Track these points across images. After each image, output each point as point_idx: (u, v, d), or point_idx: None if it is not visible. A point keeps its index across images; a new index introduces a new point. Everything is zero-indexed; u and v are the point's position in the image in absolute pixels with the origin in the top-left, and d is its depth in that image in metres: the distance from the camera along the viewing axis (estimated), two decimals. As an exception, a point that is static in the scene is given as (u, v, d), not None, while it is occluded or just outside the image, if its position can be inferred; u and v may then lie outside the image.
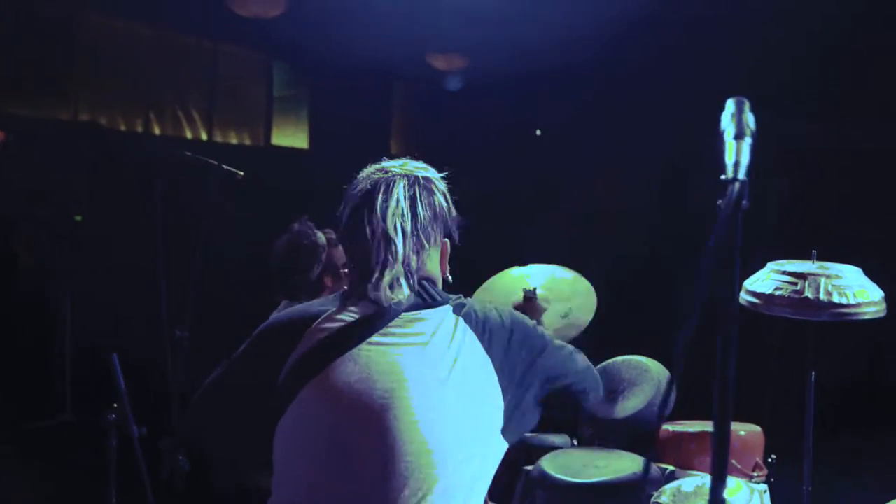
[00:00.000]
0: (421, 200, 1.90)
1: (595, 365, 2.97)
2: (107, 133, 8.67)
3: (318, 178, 9.25)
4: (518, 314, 1.97)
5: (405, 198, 1.89)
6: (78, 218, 8.31)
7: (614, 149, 8.13)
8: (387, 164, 2.00)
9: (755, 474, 2.70)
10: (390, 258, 1.87)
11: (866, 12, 6.27)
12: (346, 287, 3.47)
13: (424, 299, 1.88)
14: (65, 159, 8.29)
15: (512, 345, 1.86)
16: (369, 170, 2.00)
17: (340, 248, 3.52)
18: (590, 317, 2.91)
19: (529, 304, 2.97)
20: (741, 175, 1.18)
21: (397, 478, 1.72)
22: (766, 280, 2.47)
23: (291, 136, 10.27)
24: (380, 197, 1.90)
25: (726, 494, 2.34)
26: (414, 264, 1.89)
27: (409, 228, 1.88)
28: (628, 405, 2.78)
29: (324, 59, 9.56)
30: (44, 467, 5.39)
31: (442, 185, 1.97)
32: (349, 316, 1.87)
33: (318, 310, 1.93)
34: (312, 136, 10.40)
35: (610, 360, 2.96)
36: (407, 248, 1.88)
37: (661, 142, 7.87)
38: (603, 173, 8.33)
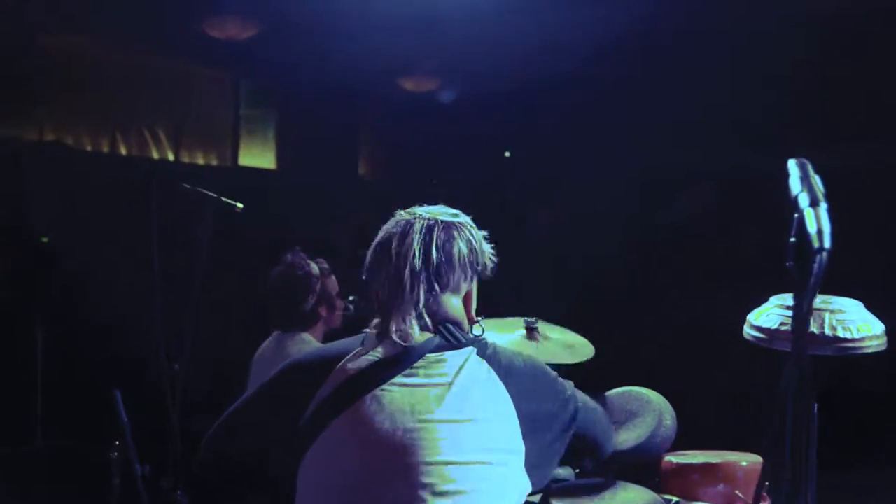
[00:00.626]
0: (436, 245, 1.94)
1: (595, 395, 3.01)
2: (73, 153, 8.56)
3: (286, 198, 9.24)
4: (542, 364, 2.01)
5: (420, 242, 1.94)
6: (44, 240, 8.19)
7: (585, 169, 8.19)
8: (419, 208, 2.04)
9: (760, 505, 2.75)
10: (404, 300, 1.91)
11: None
12: (341, 317, 3.51)
13: (449, 341, 1.91)
14: (30, 180, 8.17)
15: (535, 394, 1.91)
16: (401, 212, 2.05)
17: (333, 278, 3.53)
18: (592, 352, 2.95)
19: (531, 333, 3.00)
20: (826, 244, 1.18)
21: None
22: (770, 314, 2.53)
23: (259, 156, 10.21)
24: (396, 240, 1.95)
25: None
26: (429, 307, 1.93)
27: (420, 272, 1.92)
28: (631, 436, 2.81)
29: (291, 78, 9.55)
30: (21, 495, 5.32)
31: (468, 232, 2.00)
32: (373, 356, 1.89)
33: (343, 349, 1.96)
34: (280, 155, 10.34)
35: (611, 391, 2.99)
36: (419, 291, 1.92)
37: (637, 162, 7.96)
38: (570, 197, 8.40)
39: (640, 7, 6.53)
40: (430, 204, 2.01)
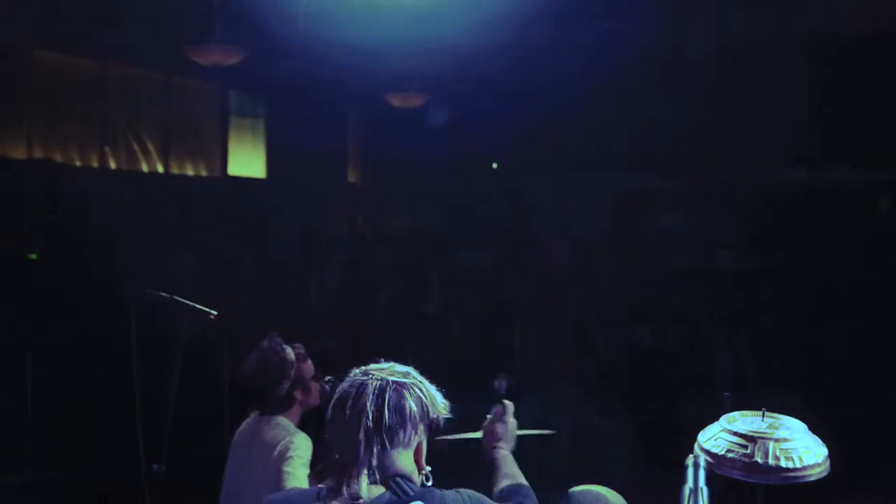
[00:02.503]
0: (388, 405, 2.04)
1: (558, 492, 3.13)
2: (62, 169, 8.60)
3: (275, 207, 9.32)
4: (487, 503, 2.11)
5: (372, 403, 2.03)
6: (33, 256, 8.25)
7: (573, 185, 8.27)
8: (374, 367, 2.13)
9: None
10: (358, 459, 2.02)
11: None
12: (318, 397, 3.60)
13: (398, 495, 2.02)
14: (19, 197, 8.21)
15: None
16: (357, 371, 2.13)
17: (309, 361, 3.61)
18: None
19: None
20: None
21: None
22: (717, 439, 2.64)
23: (248, 166, 10.26)
24: (350, 401, 2.05)
25: None
26: (380, 464, 2.03)
27: (373, 431, 2.02)
28: (589, 539, 2.93)
29: (279, 88, 9.58)
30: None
31: (418, 391, 2.09)
32: None
33: (304, 499, 2.05)
34: (269, 165, 10.38)
35: (571, 490, 3.10)
36: (372, 450, 2.02)
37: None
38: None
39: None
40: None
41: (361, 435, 2.02)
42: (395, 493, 2.02)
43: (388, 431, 2.03)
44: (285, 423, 3.45)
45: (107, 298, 6.88)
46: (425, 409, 2.11)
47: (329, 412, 2.11)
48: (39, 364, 6.43)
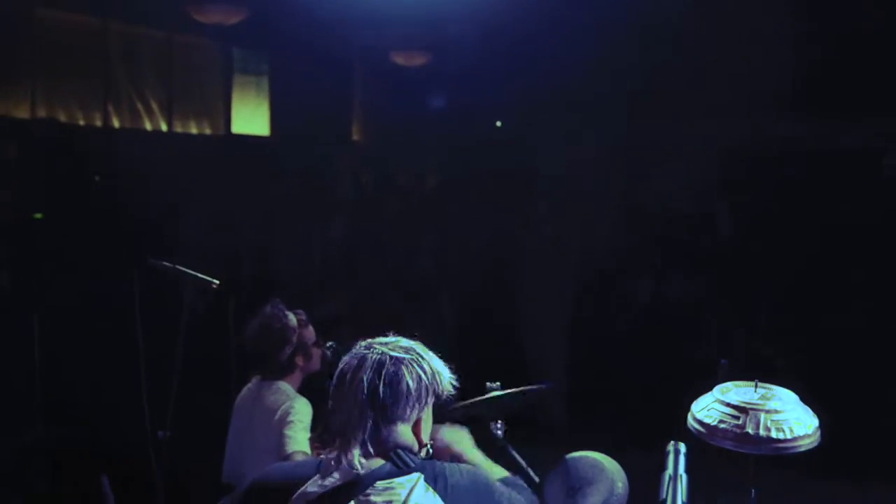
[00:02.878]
0: (384, 381, 2.07)
1: (556, 458, 3.18)
2: (65, 128, 8.60)
3: (279, 165, 9.31)
4: (484, 478, 2.18)
5: (368, 378, 2.07)
6: (38, 216, 8.29)
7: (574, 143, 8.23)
8: (378, 340, 2.17)
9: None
10: (354, 431, 2.06)
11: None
12: (319, 363, 3.65)
13: (399, 467, 2.06)
14: (23, 156, 8.22)
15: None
16: (361, 344, 2.17)
17: (311, 327, 3.65)
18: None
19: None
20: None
21: None
22: (710, 409, 2.67)
23: (252, 124, 10.24)
24: (349, 374, 2.09)
25: None
26: (375, 437, 2.07)
27: (367, 405, 2.06)
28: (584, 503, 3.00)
29: (283, 44, 9.53)
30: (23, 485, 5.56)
31: (416, 367, 2.12)
32: (329, 482, 2.04)
33: (303, 473, 2.10)
34: (273, 122, 10.36)
35: (568, 456, 3.15)
36: (367, 422, 2.06)
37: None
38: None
39: None
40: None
41: (356, 408, 2.07)
42: (395, 464, 2.06)
43: (382, 405, 2.08)
44: (286, 387, 3.50)
45: (111, 259, 6.95)
46: (425, 385, 2.13)
47: (332, 384, 2.15)
48: (45, 325, 6.49)
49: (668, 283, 7.02)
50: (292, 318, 3.56)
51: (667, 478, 1.70)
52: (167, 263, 3.07)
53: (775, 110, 7.54)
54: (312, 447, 3.41)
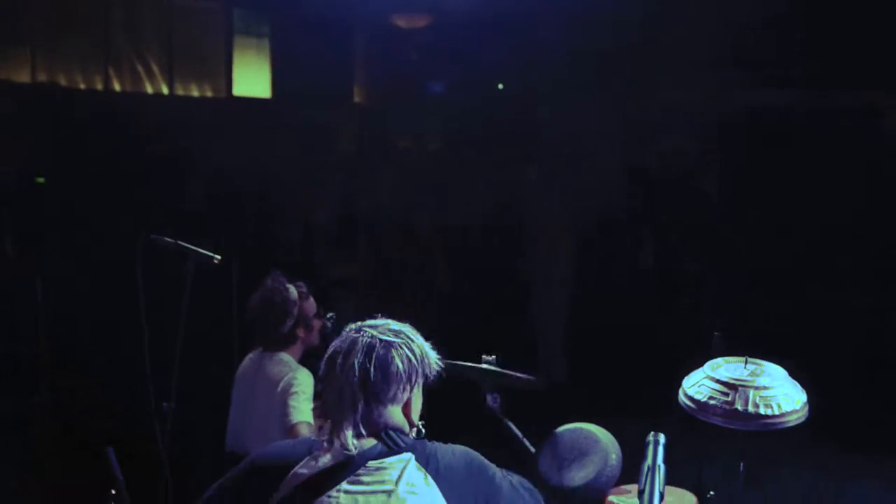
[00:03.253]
0: (374, 364, 2.11)
1: (551, 430, 3.25)
2: (66, 92, 8.59)
3: (281, 127, 9.31)
4: (477, 458, 2.21)
5: (359, 361, 2.11)
6: (40, 180, 8.33)
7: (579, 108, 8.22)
8: (368, 323, 2.22)
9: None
10: (345, 413, 2.11)
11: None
12: (319, 334, 3.72)
13: (390, 447, 2.11)
14: (24, 121, 8.23)
15: (469, 489, 2.12)
16: (352, 326, 2.22)
17: (311, 299, 3.71)
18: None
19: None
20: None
21: None
22: (700, 386, 2.74)
23: (253, 85, 10.20)
24: (340, 358, 2.14)
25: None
26: (367, 418, 2.12)
27: (358, 387, 2.10)
28: (578, 475, 3.06)
29: (284, 5, 9.47)
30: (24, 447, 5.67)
31: (406, 350, 2.16)
32: (322, 462, 2.10)
33: (298, 452, 2.16)
34: (275, 84, 10.31)
35: (562, 428, 3.23)
36: (358, 405, 2.11)
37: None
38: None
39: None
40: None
41: (348, 390, 2.11)
42: (386, 444, 2.11)
43: (373, 388, 2.12)
44: (288, 359, 3.57)
45: (113, 224, 7.01)
46: (414, 367, 2.17)
47: (322, 367, 2.20)
48: (49, 289, 6.55)
49: (667, 247, 7.07)
50: (293, 291, 3.61)
51: (645, 468, 1.76)
52: (169, 239, 3.12)
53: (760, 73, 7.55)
54: (315, 417, 3.49)
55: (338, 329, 3.86)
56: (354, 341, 2.15)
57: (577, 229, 7.49)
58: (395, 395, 2.15)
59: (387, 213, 8.47)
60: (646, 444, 1.82)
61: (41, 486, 5.02)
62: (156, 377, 3.10)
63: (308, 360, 3.65)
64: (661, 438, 1.83)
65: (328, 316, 3.79)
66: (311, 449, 2.16)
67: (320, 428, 3.52)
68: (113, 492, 2.87)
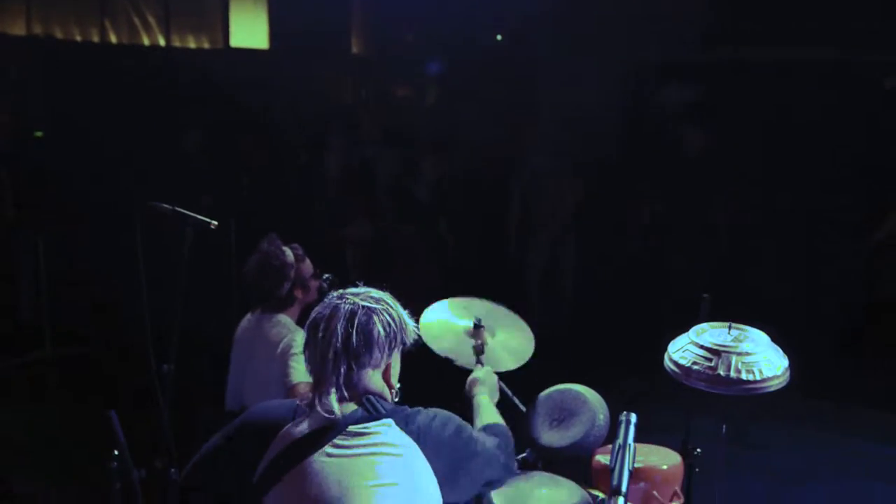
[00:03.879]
0: (356, 329, 2.17)
1: (540, 391, 3.34)
2: (62, 45, 8.55)
3: (279, 79, 9.28)
4: (455, 421, 2.29)
5: (341, 327, 2.17)
6: (38, 134, 8.34)
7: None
8: (350, 290, 2.27)
9: (673, 503, 3.13)
10: (327, 377, 2.18)
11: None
12: (317, 294, 3.78)
13: (370, 412, 2.17)
14: (20, 74, 8.22)
15: (447, 451, 2.21)
16: (335, 293, 2.28)
17: (308, 261, 3.77)
18: (530, 353, 3.27)
19: (478, 331, 3.30)
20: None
21: None
22: (685, 351, 2.81)
23: (251, 37, 10.14)
24: (323, 323, 2.20)
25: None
26: (349, 382, 2.18)
27: (341, 353, 2.16)
28: (567, 434, 3.14)
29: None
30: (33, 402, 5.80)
31: (386, 316, 2.22)
32: (306, 426, 2.16)
33: (283, 413, 2.23)
34: (272, 35, 10.25)
35: (552, 388, 3.30)
36: (340, 369, 2.17)
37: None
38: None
39: None
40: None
41: (331, 355, 2.17)
42: (366, 409, 2.18)
43: (355, 352, 2.18)
44: (286, 320, 3.64)
45: (112, 179, 7.05)
46: (394, 333, 2.24)
47: (306, 332, 2.25)
48: (50, 247, 6.61)
49: (664, 203, 7.11)
50: (289, 254, 3.67)
51: (616, 447, 1.84)
52: (166, 206, 3.17)
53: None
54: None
55: (334, 290, 3.94)
56: (336, 307, 2.21)
57: (575, 183, 7.54)
58: (376, 359, 2.21)
59: (387, 164, 8.49)
60: (618, 424, 1.90)
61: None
62: (155, 340, 3.17)
63: (305, 321, 3.73)
64: (633, 418, 1.91)
65: (325, 277, 3.85)
66: (294, 411, 2.22)
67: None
68: (116, 453, 2.99)
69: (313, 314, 2.26)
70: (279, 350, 3.51)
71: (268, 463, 2.17)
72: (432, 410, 2.29)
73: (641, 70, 8.22)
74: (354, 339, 2.17)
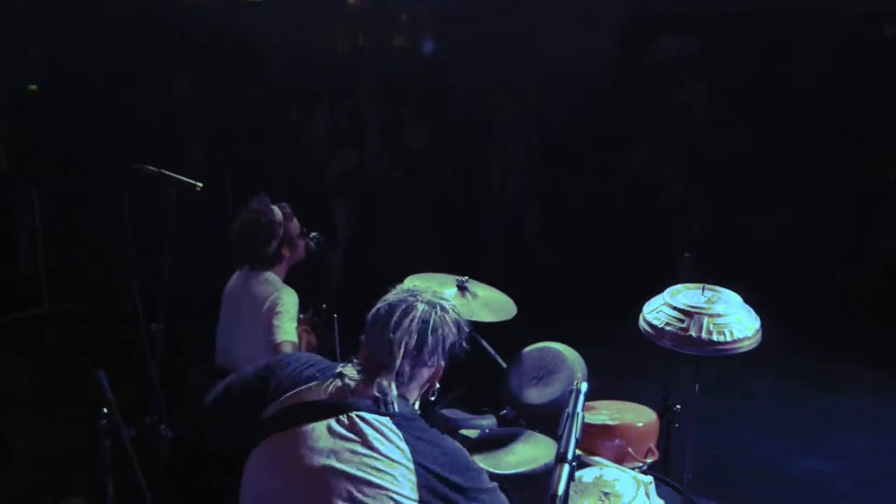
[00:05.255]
0: (433, 327, 2.20)
1: (519, 349, 3.40)
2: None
3: (270, 29, 9.19)
4: (458, 451, 2.19)
5: (418, 321, 2.19)
6: (33, 87, 8.31)
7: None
8: (418, 288, 2.30)
9: (647, 460, 3.22)
10: (394, 367, 2.18)
11: None
12: (304, 254, 3.82)
13: (379, 405, 2.14)
14: (13, 25, 8.16)
15: (440, 475, 2.10)
16: (402, 287, 2.31)
17: (295, 220, 3.82)
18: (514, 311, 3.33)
19: (462, 291, 3.36)
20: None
21: None
22: (659, 311, 2.87)
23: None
24: (398, 314, 2.21)
25: (614, 484, 2.86)
26: (405, 377, 2.19)
27: (412, 348, 2.18)
28: (546, 392, 3.22)
29: None
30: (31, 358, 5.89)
31: (453, 327, 2.24)
32: (321, 394, 2.18)
33: (311, 374, 2.25)
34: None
35: (531, 347, 3.37)
36: (405, 362, 2.18)
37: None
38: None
39: None
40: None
41: (399, 349, 2.18)
42: (377, 402, 2.16)
43: (422, 351, 2.20)
44: (273, 278, 3.69)
45: (106, 133, 7.05)
46: (458, 334, 2.27)
47: (373, 316, 2.25)
48: (45, 202, 6.64)
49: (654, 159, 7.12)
50: (278, 212, 3.72)
51: (565, 415, 1.90)
52: (152, 168, 3.21)
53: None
54: (299, 334, 3.65)
55: (321, 249, 4.00)
56: (412, 303, 2.23)
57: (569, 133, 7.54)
58: (435, 360, 2.24)
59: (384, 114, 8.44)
60: (567, 392, 1.96)
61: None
62: (147, 300, 3.24)
63: (291, 280, 3.79)
64: (583, 388, 1.97)
65: (312, 236, 3.90)
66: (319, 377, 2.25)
67: (305, 336, 3.70)
68: (105, 410, 3.07)
69: (386, 302, 2.25)
70: (265, 308, 3.57)
71: (273, 413, 2.21)
72: (445, 437, 2.24)
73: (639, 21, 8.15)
74: (429, 337, 2.20)
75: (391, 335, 2.19)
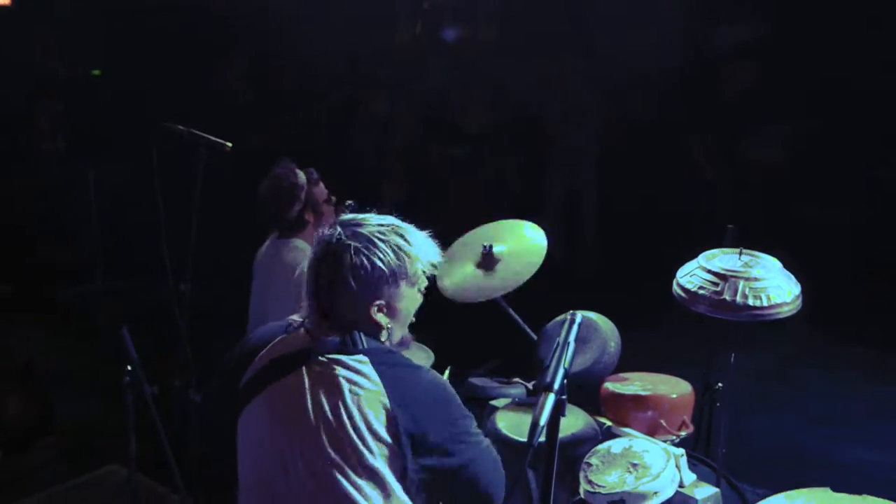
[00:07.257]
0: (355, 259, 2.08)
1: (552, 318, 3.29)
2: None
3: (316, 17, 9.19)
4: (443, 386, 2.13)
5: (345, 255, 2.09)
6: (96, 72, 8.48)
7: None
8: (358, 217, 2.19)
9: (681, 433, 3.08)
10: (315, 302, 2.14)
11: None
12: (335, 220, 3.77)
13: (346, 344, 2.09)
14: (79, 12, 8.33)
15: (427, 420, 2.04)
16: (343, 218, 2.20)
17: (322, 185, 3.77)
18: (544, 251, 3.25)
19: (489, 257, 3.28)
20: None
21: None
22: (693, 275, 2.74)
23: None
24: (321, 247, 2.15)
25: (643, 455, 2.73)
26: (343, 311, 2.11)
27: (341, 281, 2.09)
28: (577, 361, 3.10)
29: None
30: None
31: (394, 246, 2.11)
32: (287, 348, 2.15)
33: (269, 335, 2.24)
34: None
35: (560, 317, 3.26)
36: (340, 297, 2.10)
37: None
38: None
39: None
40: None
41: (323, 282, 2.13)
42: (344, 341, 2.10)
43: (353, 282, 2.10)
44: (302, 245, 3.64)
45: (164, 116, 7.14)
46: (400, 264, 2.14)
47: (311, 253, 2.19)
48: (102, 184, 6.72)
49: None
50: (301, 176, 3.67)
51: (555, 344, 1.81)
52: (181, 127, 3.20)
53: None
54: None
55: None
56: (342, 233, 2.13)
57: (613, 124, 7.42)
58: (371, 293, 2.13)
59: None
60: (562, 322, 1.87)
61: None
62: (174, 262, 3.23)
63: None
64: (578, 318, 1.87)
65: (348, 203, 3.84)
66: (286, 329, 2.23)
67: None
68: (129, 368, 3.08)
69: (319, 237, 2.19)
70: (296, 275, 3.52)
71: (246, 381, 2.18)
72: (420, 366, 2.17)
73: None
74: (355, 270, 2.10)
75: (315, 271, 2.14)
